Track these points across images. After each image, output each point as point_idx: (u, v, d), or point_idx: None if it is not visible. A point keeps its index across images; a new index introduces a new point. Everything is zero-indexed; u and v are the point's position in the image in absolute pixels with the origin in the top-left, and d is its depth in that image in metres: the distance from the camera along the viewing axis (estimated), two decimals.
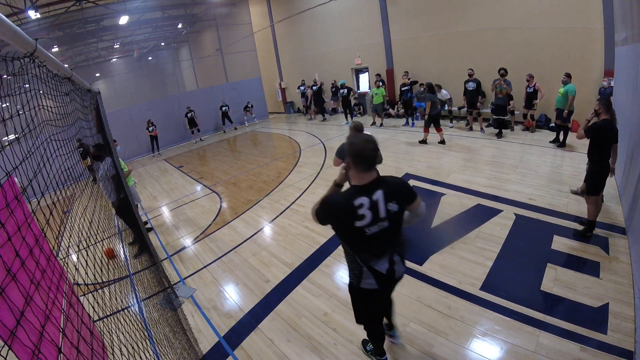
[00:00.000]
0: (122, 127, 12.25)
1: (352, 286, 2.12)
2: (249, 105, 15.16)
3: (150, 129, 12.21)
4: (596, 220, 3.74)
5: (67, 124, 1.82)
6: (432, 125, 7.79)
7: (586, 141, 3.79)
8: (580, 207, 4.35)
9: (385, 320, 2.68)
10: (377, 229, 1.83)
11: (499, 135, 7.77)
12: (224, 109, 14.26)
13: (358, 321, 2.32)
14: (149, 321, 2.91)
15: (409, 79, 10.01)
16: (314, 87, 13.43)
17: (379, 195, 1.80)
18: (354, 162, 1.79)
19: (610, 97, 6.36)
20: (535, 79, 7.35)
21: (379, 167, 1.89)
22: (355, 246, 1.93)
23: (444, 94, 9.10)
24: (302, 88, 14.64)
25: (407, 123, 10.21)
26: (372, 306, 2.23)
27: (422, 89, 10.34)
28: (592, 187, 3.67)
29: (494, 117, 7.86)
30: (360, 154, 1.77)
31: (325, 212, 1.85)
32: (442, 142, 7.82)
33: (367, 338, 2.60)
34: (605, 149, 3.61)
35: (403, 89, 9.96)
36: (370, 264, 1.95)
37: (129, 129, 12.50)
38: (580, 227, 3.85)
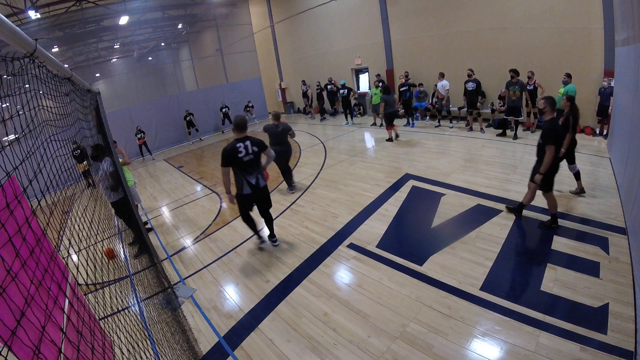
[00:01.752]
0: (122, 127, 12.26)
1: (238, 195, 4.09)
2: (250, 105, 15.14)
3: (139, 136, 12.08)
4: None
5: (67, 125, 1.82)
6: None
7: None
8: (580, 206, 4.35)
9: (268, 232, 4.53)
10: (248, 159, 3.90)
11: (513, 136, 7.61)
12: (224, 110, 14.27)
13: (243, 219, 4.33)
14: (149, 321, 2.91)
15: (406, 79, 9.99)
16: (329, 87, 13.00)
17: (247, 143, 3.91)
18: (235, 127, 3.95)
19: (611, 97, 6.38)
20: (535, 77, 7.35)
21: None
22: (239, 168, 3.93)
23: (444, 84, 9.04)
24: (303, 88, 14.72)
25: (407, 123, 10.21)
26: (248, 206, 4.23)
27: (421, 88, 10.38)
28: (547, 184, 3.86)
29: (507, 117, 7.72)
30: (239, 123, 3.94)
31: (224, 156, 3.85)
32: (397, 136, 8.79)
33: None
34: (559, 147, 3.79)
35: (402, 89, 9.96)
36: (247, 178, 3.97)
37: (129, 129, 12.50)
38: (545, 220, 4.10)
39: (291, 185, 6.38)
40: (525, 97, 7.54)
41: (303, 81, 14.72)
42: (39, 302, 1.18)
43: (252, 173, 3.96)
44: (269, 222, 4.43)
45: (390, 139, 8.69)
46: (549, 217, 4.02)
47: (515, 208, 4.34)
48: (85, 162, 8.19)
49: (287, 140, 6.03)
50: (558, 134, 3.72)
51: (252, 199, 4.14)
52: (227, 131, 14.87)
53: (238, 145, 3.84)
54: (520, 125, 8.26)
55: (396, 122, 10.88)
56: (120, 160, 4.88)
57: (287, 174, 6.30)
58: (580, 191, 4.70)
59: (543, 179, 3.85)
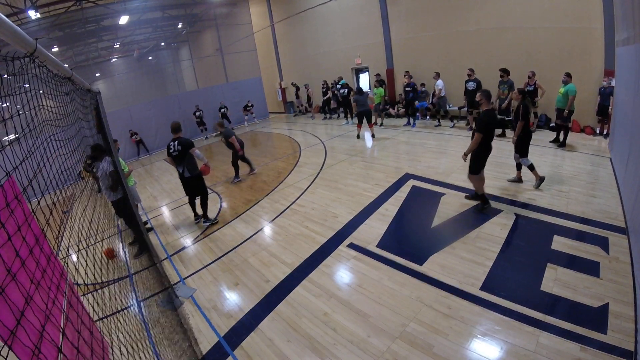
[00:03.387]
0: (122, 127, 12.27)
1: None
2: (249, 105, 15.14)
3: (134, 137, 12.64)
4: (484, 192, 4.53)
5: (67, 124, 1.82)
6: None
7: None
8: (580, 206, 4.35)
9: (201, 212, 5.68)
10: (175, 154, 5.21)
11: (504, 135, 7.64)
12: (222, 110, 14.29)
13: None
14: (149, 321, 2.91)
15: (410, 79, 9.97)
16: (342, 91, 12.23)
17: (175, 142, 5.19)
18: (171, 130, 5.27)
19: (611, 97, 6.37)
20: (535, 77, 7.34)
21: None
22: (172, 160, 5.34)
23: (437, 84, 9.10)
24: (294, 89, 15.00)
25: (408, 123, 10.20)
26: (184, 187, 5.60)
27: (422, 89, 10.38)
28: (474, 167, 4.44)
29: (499, 117, 7.77)
30: (172, 126, 5.27)
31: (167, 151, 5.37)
32: (372, 135, 9.37)
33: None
34: (488, 135, 4.32)
35: (407, 88, 9.94)
36: (177, 168, 5.38)
37: (129, 129, 12.50)
38: (473, 201, 4.70)
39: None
40: (506, 95, 7.51)
41: (293, 83, 15.11)
42: (37, 302, 1.18)
43: (179, 164, 5.27)
44: (202, 205, 5.59)
45: (358, 136, 9.52)
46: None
47: (480, 203, 4.59)
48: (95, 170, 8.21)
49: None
50: (485, 124, 4.27)
51: (182, 184, 5.53)
52: None
53: (170, 143, 5.25)
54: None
55: (398, 121, 10.94)
56: (126, 171, 4.99)
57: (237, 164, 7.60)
58: (518, 180, 5.13)
59: (472, 163, 4.41)
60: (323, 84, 13.34)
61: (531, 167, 4.93)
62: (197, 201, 5.67)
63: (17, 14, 9.11)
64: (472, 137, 4.46)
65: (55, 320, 1.28)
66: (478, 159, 4.41)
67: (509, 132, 7.87)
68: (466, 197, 4.89)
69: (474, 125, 8.62)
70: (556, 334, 2.55)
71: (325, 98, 13.32)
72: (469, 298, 3.08)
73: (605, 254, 3.37)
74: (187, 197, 5.68)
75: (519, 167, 5.14)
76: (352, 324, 3.00)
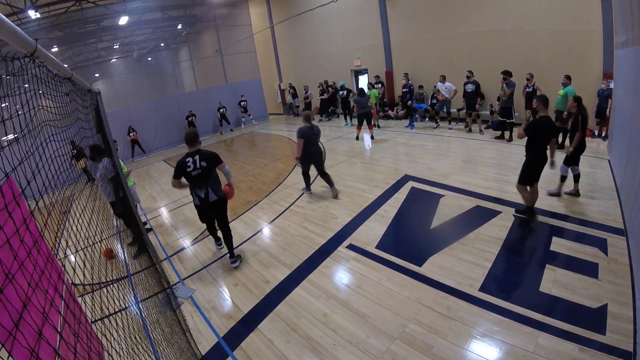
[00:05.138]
0: (122, 127, 12.26)
1: (194, 204, 4.11)
2: (243, 99, 14.99)
3: (132, 134, 12.44)
4: (534, 206, 4.16)
5: (67, 124, 1.82)
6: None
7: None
8: (579, 208, 4.36)
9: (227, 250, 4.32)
10: (195, 173, 3.84)
11: (508, 138, 7.56)
12: (221, 110, 14.30)
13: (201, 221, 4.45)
14: (148, 322, 2.90)
15: (407, 81, 10.00)
16: (341, 92, 12.13)
17: (196, 157, 3.84)
18: (185, 142, 3.91)
19: (609, 99, 6.40)
20: (534, 79, 7.36)
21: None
22: (189, 181, 3.94)
23: (447, 86, 8.99)
24: (291, 90, 15.15)
25: (408, 124, 10.21)
26: (200, 215, 4.25)
27: (421, 90, 10.41)
28: (527, 177, 4.04)
29: (500, 119, 7.79)
30: (187, 138, 3.88)
31: (175, 168, 3.90)
32: (371, 137, 9.32)
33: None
34: (542, 144, 3.95)
35: (404, 90, 9.97)
36: (195, 191, 3.96)
37: (128, 129, 12.49)
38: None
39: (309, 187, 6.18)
40: (508, 94, 7.33)
41: (290, 84, 15.26)
42: (35, 303, 1.18)
43: (202, 187, 3.91)
44: (226, 239, 4.20)
45: (357, 138, 9.47)
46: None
47: (522, 211, 4.25)
48: (83, 160, 8.23)
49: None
50: (539, 130, 3.92)
51: (202, 211, 4.14)
52: (225, 132, 14.89)
53: (187, 159, 3.84)
54: (520, 126, 8.26)
55: (397, 123, 10.96)
56: (125, 171, 4.94)
57: (325, 175, 5.82)
58: (575, 193, 4.67)
59: (527, 172, 4.01)
60: (319, 85, 13.47)
61: (577, 177, 4.65)
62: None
63: (17, 13, 9.11)
64: (526, 149, 4.06)
65: (52, 322, 1.28)
66: (529, 168, 3.99)
67: (507, 134, 7.88)
68: (516, 212, 4.35)
69: (472, 128, 8.75)
70: (555, 335, 2.55)
71: (320, 98, 13.42)
72: (468, 299, 3.08)
73: (604, 255, 3.38)
74: (205, 223, 4.43)
75: (562, 179, 4.72)
76: (351, 324, 3.00)
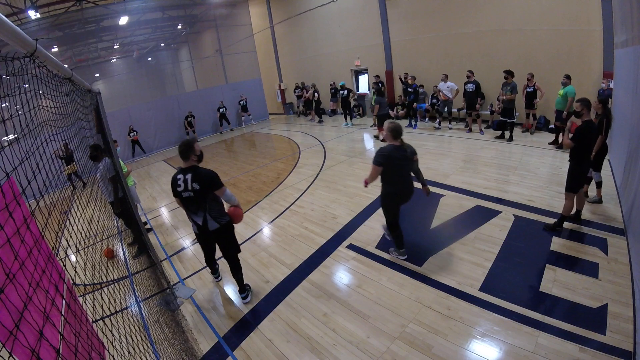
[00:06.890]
0: (122, 127, 12.26)
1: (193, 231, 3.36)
2: (242, 98, 15.01)
3: (132, 134, 12.46)
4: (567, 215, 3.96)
5: (67, 124, 1.82)
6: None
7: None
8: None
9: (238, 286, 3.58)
10: (186, 195, 3.02)
11: (508, 138, 7.54)
12: (221, 110, 14.30)
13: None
14: (149, 322, 2.91)
15: (412, 81, 9.94)
16: (341, 92, 11.82)
17: (188, 176, 2.97)
18: (178, 154, 3.02)
19: (609, 99, 6.39)
20: (534, 79, 7.36)
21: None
22: (182, 204, 3.18)
23: (449, 85, 8.94)
24: (297, 91, 14.93)
25: (410, 124, 10.20)
26: (201, 243, 3.53)
27: (421, 90, 10.39)
28: (574, 184, 3.81)
29: (500, 118, 7.76)
30: (180, 149, 2.98)
31: (171, 184, 3.11)
32: (376, 137, 9.19)
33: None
34: (588, 149, 3.76)
35: (409, 90, 9.94)
36: (191, 217, 3.18)
37: (128, 129, 12.49)
38: (550, 222, 4.04)
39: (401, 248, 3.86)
40: (510, 98, 7.31)
41: (302, 82, 14.92)
42: (36, 303, 1.18)
43: (197, 213, 3.07)
44: (234, 272, 3.45)
45: (377, 136, 9.25)
46: (556, 220, 3.97)
47: (556, 224, 3.96)
48: (72, 165, 8.20)
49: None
50: (584, 135, 3.64)
51: (202, 240, 3.41)
52: (226, 132, 14.90)
53: (178, 176, 2.99)
54: (519, 126, 8.28)
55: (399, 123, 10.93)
56: (125, 171, 4.93)
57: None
58: (599, 200, 4.50)
59: (574, 179, 3.78)
60: (312, 85, 13.54)
61: (599, 184, 4.50)
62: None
63: (17, 14, 9.11)
64: (571, 155, 3.82)
65: (53, 321, 1.28)
66: (576, 174, 3.80)
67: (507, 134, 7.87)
68: (546, 227, 4.03)
69: (472, 127, 8.75)
70: (555, 335, 2.56)
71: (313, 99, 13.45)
72: (468, 299, 3.08)
73: (604, 255, 3.38)
74: (204, 251, 3.64)
75: (598, 185, 4.51)
76: (351, 324, 3.00)
